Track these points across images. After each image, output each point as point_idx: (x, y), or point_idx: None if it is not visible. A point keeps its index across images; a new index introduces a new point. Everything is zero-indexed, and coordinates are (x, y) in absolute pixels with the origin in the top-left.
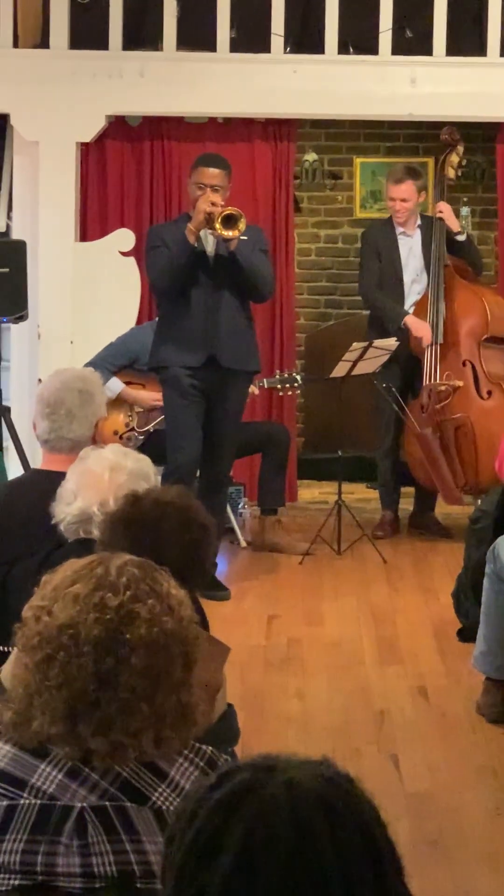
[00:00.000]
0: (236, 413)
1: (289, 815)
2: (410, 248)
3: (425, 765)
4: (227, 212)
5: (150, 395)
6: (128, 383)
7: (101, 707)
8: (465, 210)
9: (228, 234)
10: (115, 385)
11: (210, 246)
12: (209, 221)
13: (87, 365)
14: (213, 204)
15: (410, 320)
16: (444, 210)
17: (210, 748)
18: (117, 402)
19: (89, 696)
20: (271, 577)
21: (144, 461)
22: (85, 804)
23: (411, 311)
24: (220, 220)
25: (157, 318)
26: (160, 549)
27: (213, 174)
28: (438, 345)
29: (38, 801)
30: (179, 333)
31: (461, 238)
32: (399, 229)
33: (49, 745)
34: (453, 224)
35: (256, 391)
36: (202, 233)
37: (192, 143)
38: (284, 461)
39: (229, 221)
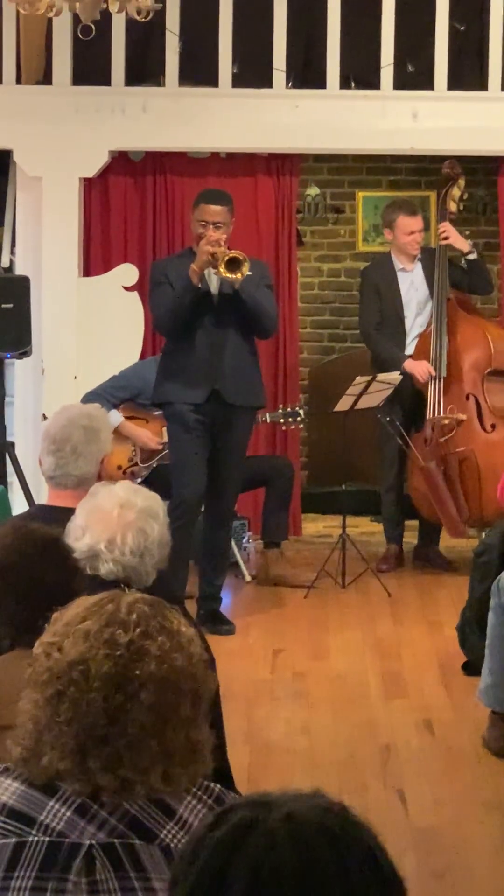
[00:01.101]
0: (241, 448)
1: (292, 847)
2: (412, 282)
3: (431, 799)
4: (232, 255)
5: (146, 434)
6: (131, 418)
7: (110, 743)
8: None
9: (232, 276)
10: (115, 418)
11: (214, 284)
12: (213, 262)
13: (89, 394)
14: (217, 243)
15: (409, 365)
16: (449, 231)
17: (218, 786)
18: (121, 437)
19: (99, 731)
20: (276, 610)
21: (154, 500)
22: (93, 841)
23: (415, 343)
24: (223, 264)
25: (161, 354)
26: (41, 580)
27: (215, 211)
28: (442, 378)
29: (47, 839)
30: (183, 369)
31: (472, 257)
32: (398, 265)
33: (58, 782)
34: (462, 244)
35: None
36: (206, 271)
37: (194, 178)
38: (288, 495)
39: (233, 265)
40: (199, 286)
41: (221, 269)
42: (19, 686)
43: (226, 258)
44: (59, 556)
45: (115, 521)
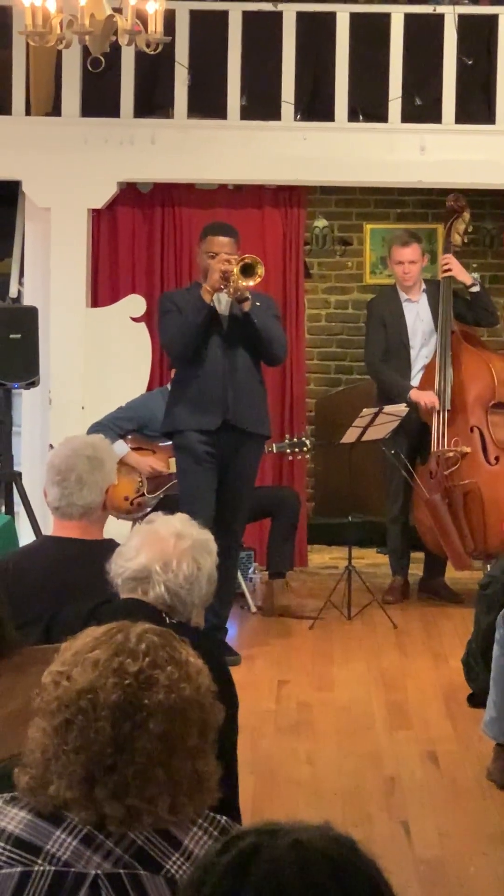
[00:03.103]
0: (249, 478)
1: (297, 875)
2: (417, 313)
3: (436, 831)
4: (245, 260)
5: (151, 459)
6: (138, 448)
7: (117, 771)
8: (474, 276)
9: (250, 283)
10: (121, 448)
11: (223, 306)
12: (225, 279)
13: (96, 425)
14: (228, 262)
15: (415, 394)
16: (451, 263)
17: (224, 818)
18: (128, 468)
19: (106, 760)
20: (281, 641)
21: (208, 535)
22: (99, 871)
23: (419, 376)
24: (238, 268)
25: (168, 385)
26: None
27: (223, 242)
28: (446, 411)
29: (53, 868)
30: (195, 396)
31: (476, 289)
32: (404, 296)
33: (64, 811)
34: (464, 277)
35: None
36: (215, 296)
37: (202, 210)
38: (294, 526)
39: (247, 270)
40: (212, 304)
41: (236, 277)
42: None
43: (240, 263)
44: None
45: (171, 547)
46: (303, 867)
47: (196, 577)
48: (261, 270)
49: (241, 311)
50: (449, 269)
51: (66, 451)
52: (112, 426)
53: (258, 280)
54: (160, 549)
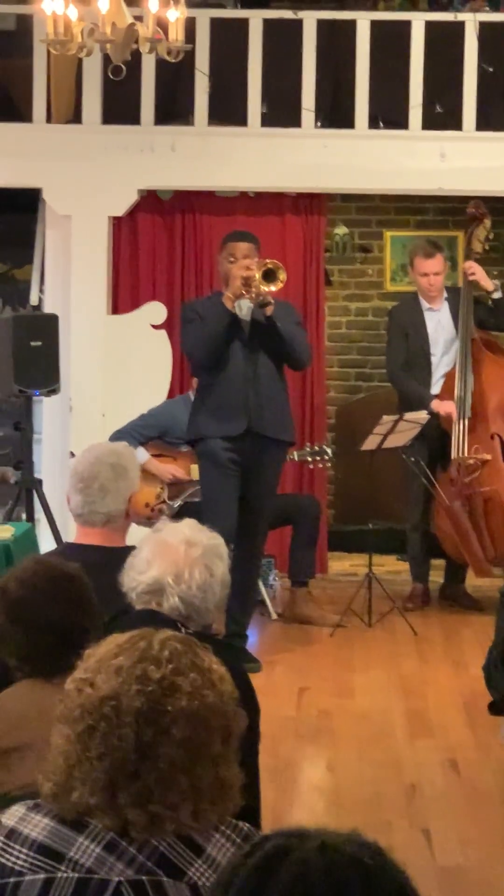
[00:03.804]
0: (272, 485)
1: (324, 877)
2: (438, 321)
3: (457, 838)
4: (267, 266)
5: (169, 469)
6: (158, 455)
7: (140, 778)
8: (495, 282)
9: (272, 288)
10: (142, 455)
11: (245, 311)
12: (247, 285)
13: (118, 432)
14: (249, 268)
15: (436, 404)
16: (476, 269)
17: (247, 825)
18: (149, 475)
19: (129, 766)
20: (302, 648)
21: (218, 540)
22: (122, 878)
23: (440, 383)
24: (260, 274)
25: (189, 392)
26: (47, 614)
27: (244, 247)
28: (467, 419)
29: (76, 875)
30: (217, 403)
31: (497, 295)
32: (425, 305)
33: (87, 818)
34: (487, 283)
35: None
36: (236, 303)
37: (222, 217)
38: (315, 533)
39: (269, 276)
40: (234, 311)
41: (258, 283)
42: (25, 712)
43: (262, 269)
44: (70, 592)
45: (182, 556)
46: (330, 869)
47: (209, 584)
48: (283, 276)
49: (263, 315)
50: (473, 274)
51: (90, 459)
52: (134, 433)
53: (280, 286)
54: (171, 560)
